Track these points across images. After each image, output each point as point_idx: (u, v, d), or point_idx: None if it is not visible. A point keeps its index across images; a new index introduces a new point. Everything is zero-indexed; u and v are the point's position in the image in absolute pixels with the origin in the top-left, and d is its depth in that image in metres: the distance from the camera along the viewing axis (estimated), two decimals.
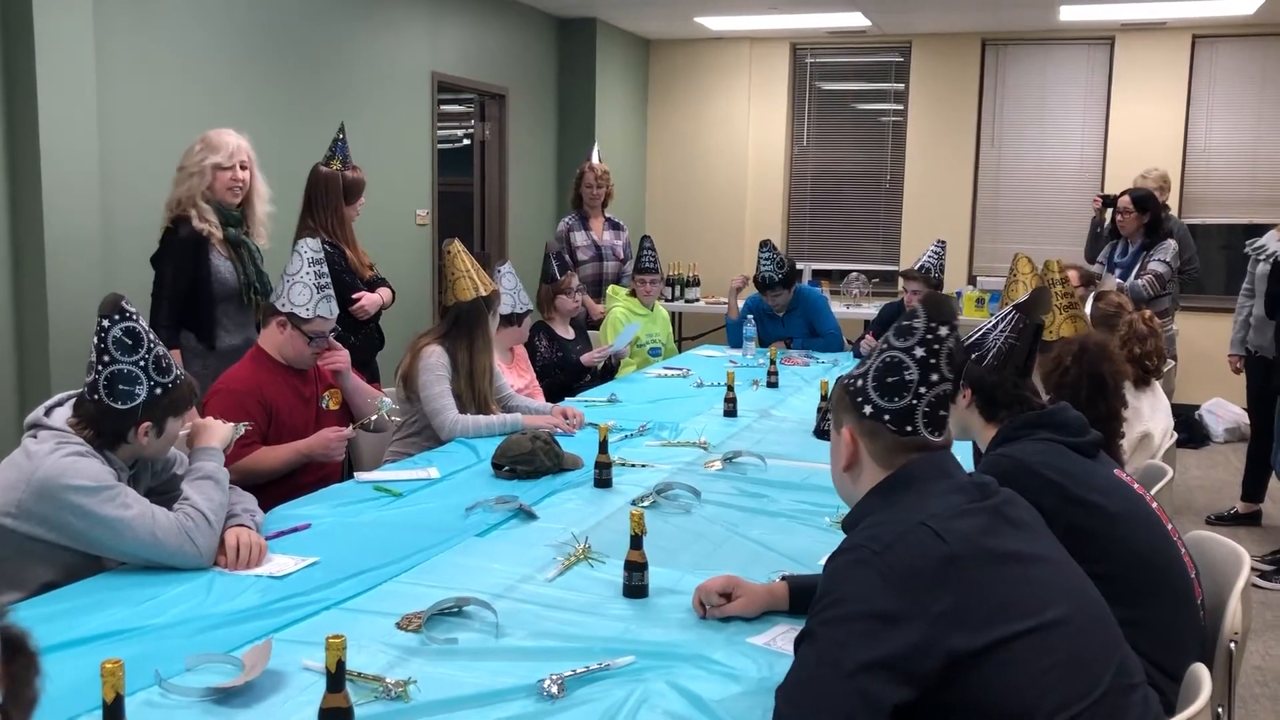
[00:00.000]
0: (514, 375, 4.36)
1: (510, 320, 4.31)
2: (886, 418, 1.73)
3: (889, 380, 1.74)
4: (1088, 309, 3.97)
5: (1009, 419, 2.34)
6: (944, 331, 1.75)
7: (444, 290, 3.89)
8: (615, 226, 6.36)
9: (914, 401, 1.73)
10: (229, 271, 3.79)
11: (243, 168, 3.84)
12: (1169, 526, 2.19)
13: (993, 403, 2.38)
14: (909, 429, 1.73)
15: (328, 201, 4.20)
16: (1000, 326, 2.40)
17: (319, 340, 3.25)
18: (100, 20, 4.31)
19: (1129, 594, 2.00)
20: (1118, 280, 5.88)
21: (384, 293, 4.34)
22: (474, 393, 3.81)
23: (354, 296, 4.13)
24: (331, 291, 3.27)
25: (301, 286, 3.18)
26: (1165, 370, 3.98)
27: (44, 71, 4.03)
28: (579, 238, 6.17)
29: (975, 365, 2.40)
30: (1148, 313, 3.94)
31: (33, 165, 4.04)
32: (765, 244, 5.76)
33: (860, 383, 1.77)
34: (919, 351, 1.74)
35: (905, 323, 1.77)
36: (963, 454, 3.13)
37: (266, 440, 3.13)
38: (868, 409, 1.75)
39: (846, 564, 1.57)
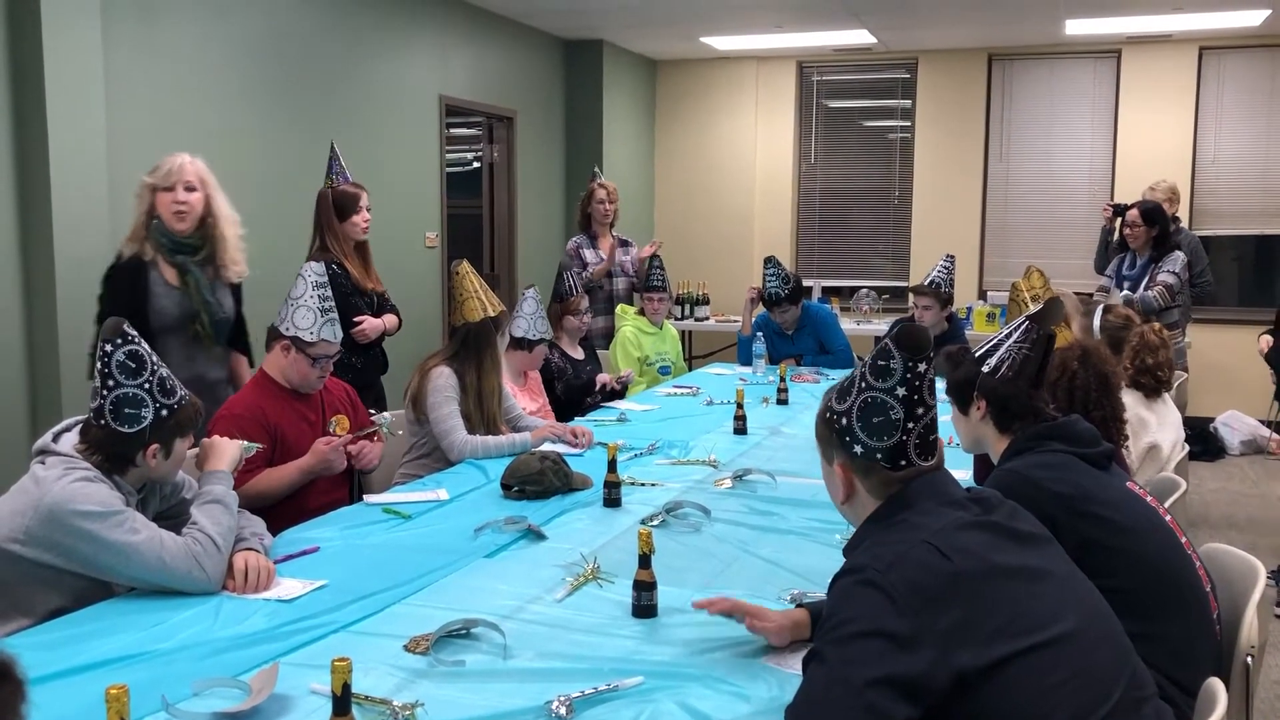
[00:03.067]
0: (526, 398, 4.35)
1: (521, 344, 4.30)
2: (879, 456, 1.73)
3: (875, 421, 1.73)
4: (1096, 321, 3.98)
5: (1022, 430, 2.33)
6: (922, 367, 1.73)
7: (453, 311, 3.89)
8: (624, 244, 6.36)
9: (903, 438, 1.73)
10: (173, 302, 3.50)
11: (189, 189, 3.49)
12: (1183, 539, 2.17)
13: (1006, 413, 2.37)
14: (902, 463, 1.73)
15: (323, 220, 4.22)
16: (1015, 338, 2.39)
17: (323, 363, 3.23)
18: (109, 43, 4.35)
19: (1142, 607, 1.98)
20: (1126, 292, 5.86)
21: (389, 319, 4.33)
22: (483, 413, 3.81)
23: (356, 320, 4.12)
24: (336, 315, 3.24)
25: (305, 310, 3.16)
26: (1176, 383, 3.97)
27: (53, 92, 4.07)
28: (589, 255, 6.18)
29: (989, 377, 2.39)
30: (1157, 324, 3.94)
31: (43, 186, 4.08)
32: (770, 260, 5.73)
33: (845, 421, 1.76)
34: (900, 391, 1.72)
35: (882, 362, 1.75)
36: (965, 463, 3.14)
37: (272, 466, 3.11)
38: (858, 449, 1.74)
39: (851, 585, 1.56)
